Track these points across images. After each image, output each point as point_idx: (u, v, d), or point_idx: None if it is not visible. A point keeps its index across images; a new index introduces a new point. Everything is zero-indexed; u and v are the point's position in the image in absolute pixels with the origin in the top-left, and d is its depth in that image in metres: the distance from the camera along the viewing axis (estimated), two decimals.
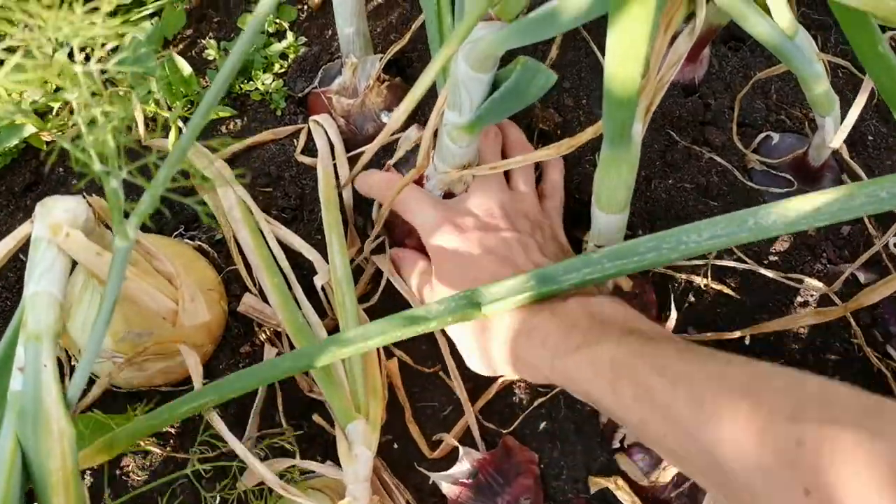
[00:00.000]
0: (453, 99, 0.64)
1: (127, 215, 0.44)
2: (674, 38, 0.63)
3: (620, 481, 0.65)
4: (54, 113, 0.92)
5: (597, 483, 0.67)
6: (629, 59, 0.49)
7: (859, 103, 0.64)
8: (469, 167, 0.72)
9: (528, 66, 0.58)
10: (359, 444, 0.63)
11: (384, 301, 0.77)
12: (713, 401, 0.45)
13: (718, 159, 0.86)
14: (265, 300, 0.74)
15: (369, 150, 0.76)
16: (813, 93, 0.71)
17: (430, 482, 0.70)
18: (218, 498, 0.66)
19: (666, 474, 0.67)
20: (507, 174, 0.76)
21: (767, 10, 0.65)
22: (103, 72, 0.39)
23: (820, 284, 0.80)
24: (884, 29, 0.57)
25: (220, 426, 0.61)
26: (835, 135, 0.68)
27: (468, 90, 0.62)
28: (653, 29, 0.49)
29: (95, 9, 0.35)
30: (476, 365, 0.68)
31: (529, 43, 0.56)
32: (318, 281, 0.74)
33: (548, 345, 0.58)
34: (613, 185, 0.61)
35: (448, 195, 0.75)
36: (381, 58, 0.86)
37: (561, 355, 0.57)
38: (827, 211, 0.52)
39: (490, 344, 0.63)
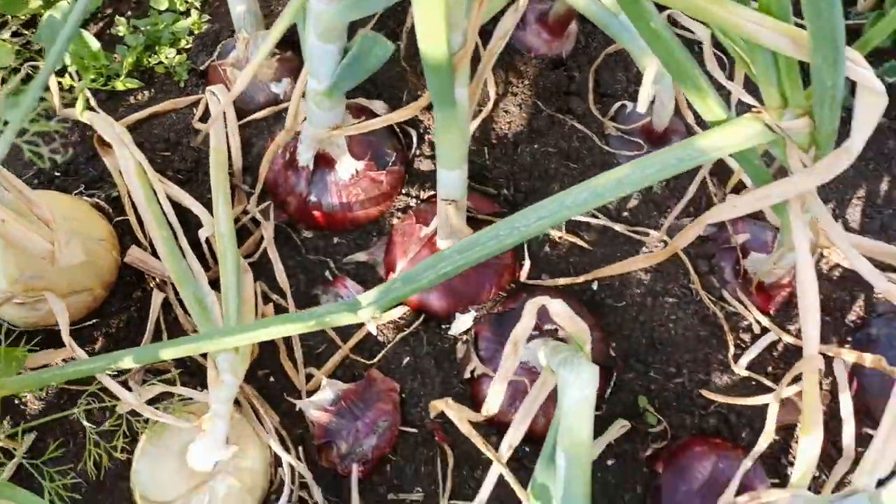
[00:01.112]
0: (311, 68, 0.72)
1: None
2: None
3: (451, 402, 0.73)
4: None
5: (434, 407, 0.75)
6: (432, 34, 0.57)
7: (651, 70, 0.74)
8: (337, 129, 0.80)
9: (367, 37, 0.67)
10: (226, 372, 0.71)
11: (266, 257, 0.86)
12: None
13: (580, 126, 0.95)
14: (157, 252, 0.82)
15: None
16: (640, 65, 0.80)
17: (297, 409, 0.79)
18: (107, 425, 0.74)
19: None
20: None
21: None
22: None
23: (663, 236, 0.90)
24: (661, 8, 0.65)
25: (106, 380, 0.69)
26: (646, 100, 0.78)
27: (320, 60, 0.70)
28: (449, 7, 0.58)
29: None
30: None
31: (363, 15, 0.64)
32: (203, 234, 0.82)
33: None
34: (447, 143, 0.70)
35: (322, 155, 0.83)
36: (270, 33, 0.93)
37: None
38: (628, 181, 0.61)
39: None
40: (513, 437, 0.67)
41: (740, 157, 0.70)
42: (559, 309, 0.62)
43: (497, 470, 0.65)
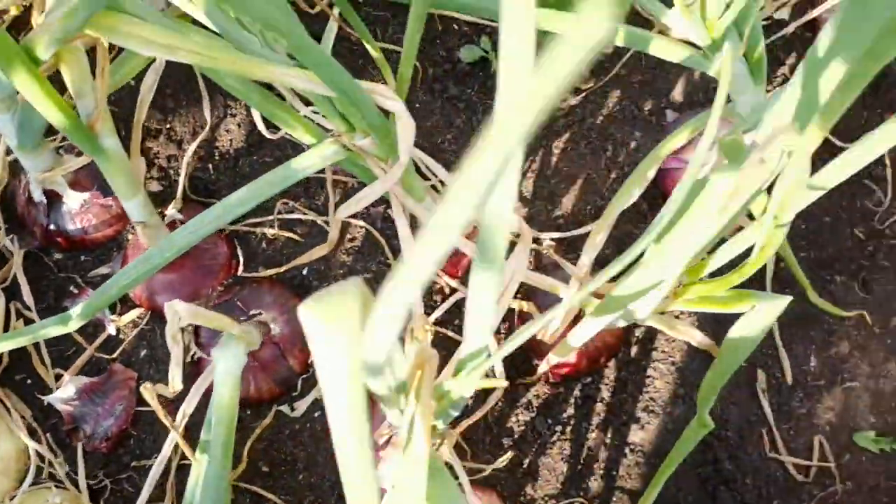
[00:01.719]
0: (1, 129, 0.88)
1: None
2: None
3: (148, 385, 0.90)
4: None
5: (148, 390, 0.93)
6: (47, 111, 0.74)
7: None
8: (52, 171, 0.96)
9: (25, 106, 0.83)
10: None
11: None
12: None
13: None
14: None
15: None
16: None
17: (47, 404, 0.97)
18: None
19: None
20: None
21: None
22: None
23: (363, 223, 1.07)
24: None
25: None
26: None
27: (3, 124, 0.86)
28: (76, 80, 0.74)
29: None
30: None
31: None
32: None
33: None
34: (113, 181, 0.87)
35: (49, 192, 0.99)
36: None
37: None
38: (245, 199, 0.80)
39: None
40: (186, 406, 0.86)
41: (350, 168, 0.88)
42: (183, 309, 0.80)
43: (174, 435, 0.84)
